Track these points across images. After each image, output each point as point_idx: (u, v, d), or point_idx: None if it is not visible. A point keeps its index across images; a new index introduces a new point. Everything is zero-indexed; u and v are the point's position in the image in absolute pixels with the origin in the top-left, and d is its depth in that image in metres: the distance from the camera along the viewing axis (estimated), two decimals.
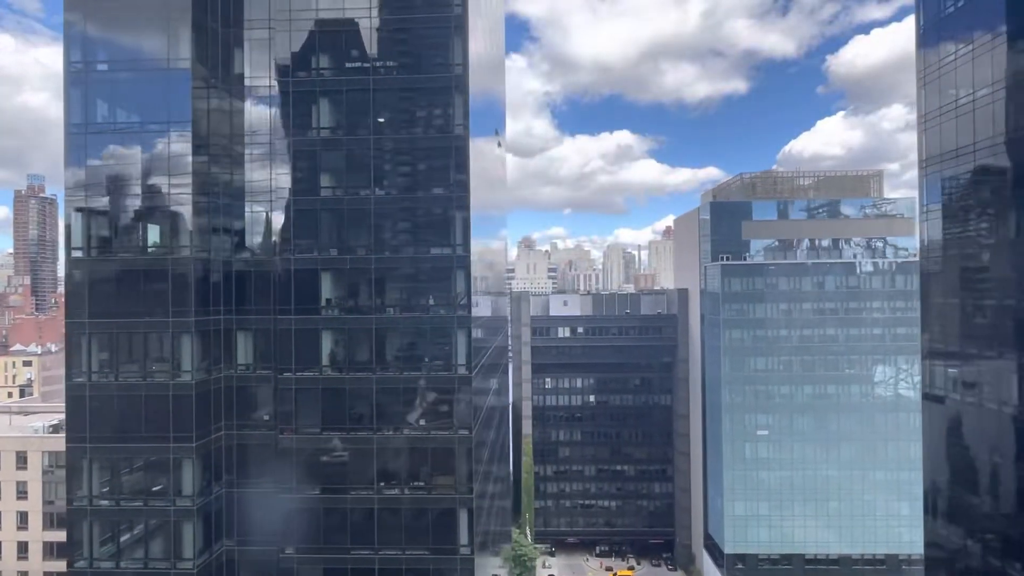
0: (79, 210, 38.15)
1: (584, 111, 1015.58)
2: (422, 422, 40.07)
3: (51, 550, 65.78)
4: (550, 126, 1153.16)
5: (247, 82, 41.05)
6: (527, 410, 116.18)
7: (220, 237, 40.29)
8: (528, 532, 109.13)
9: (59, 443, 52.89)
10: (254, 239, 41.70)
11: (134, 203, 38.58)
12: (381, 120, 39.63)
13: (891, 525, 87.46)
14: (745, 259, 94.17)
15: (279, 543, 39.68)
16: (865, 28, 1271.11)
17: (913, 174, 38.50)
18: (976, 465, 33.38)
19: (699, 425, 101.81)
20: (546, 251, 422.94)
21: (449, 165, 39.63)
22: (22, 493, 66.76)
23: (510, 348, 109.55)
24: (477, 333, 43.50)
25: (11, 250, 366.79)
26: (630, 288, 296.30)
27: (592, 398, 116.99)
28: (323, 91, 39.77)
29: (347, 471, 39.86)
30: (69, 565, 38.26)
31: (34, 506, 66.67)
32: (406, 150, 39.98)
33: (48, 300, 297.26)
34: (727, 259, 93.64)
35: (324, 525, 39.67)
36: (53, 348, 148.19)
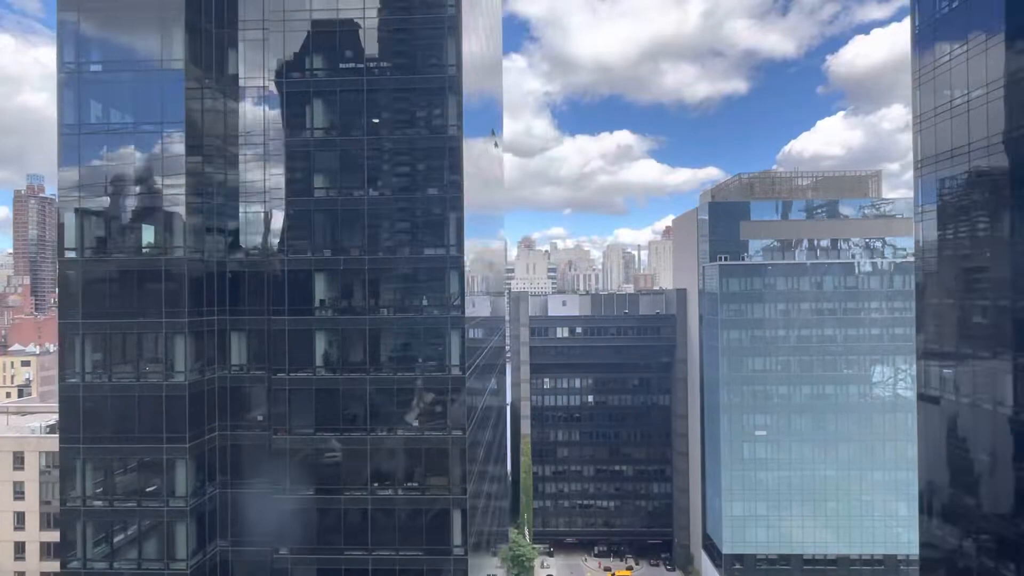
0: (73, 210, 38.14)
1: (584, 111, 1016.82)
2: (416, 423, 40.05)
3: (48, 550, 65.79)
4: (550, 126, 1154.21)
5: (241, 82, 41.05)
6: (526, 410, 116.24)
7: (214, 237, 40.27)
8: (526, 532, 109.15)
9: (56, 443, 52.75)
10: (248, 239, 41.66)
11: (128, 203, 38.60)
12: (375, 121, 39.64)
13: (889, 525, 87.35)
14: (743, 259, 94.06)
15: (273, 544, 39.69)
16: (865, 28, 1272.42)
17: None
18: (971, 465, 33.35)
19: (697, 425, 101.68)
20: (546, 251, 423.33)
21: (443, 166, 39.62)
22: (19, 493, 66.76)
23: (508, 348, 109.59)
24: (472, 333, 43.45)
25: (11, 250, 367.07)
26: (630, 288, 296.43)
27: (591, 398, 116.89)
28: (317, 91, 39.77)
29: (341, 472, 39.82)
30: (62, 566, 38.29)
31: (31, 506, 66.67)
32: (400, 151, 39.99)
33: (47, 300, 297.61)
34: (725, 259, 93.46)
35: (318, 526, 39.68)
36: (52, 348, 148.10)
